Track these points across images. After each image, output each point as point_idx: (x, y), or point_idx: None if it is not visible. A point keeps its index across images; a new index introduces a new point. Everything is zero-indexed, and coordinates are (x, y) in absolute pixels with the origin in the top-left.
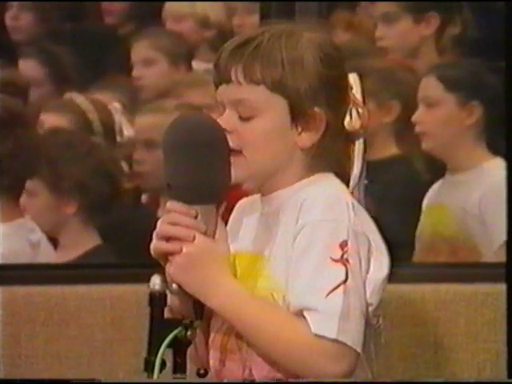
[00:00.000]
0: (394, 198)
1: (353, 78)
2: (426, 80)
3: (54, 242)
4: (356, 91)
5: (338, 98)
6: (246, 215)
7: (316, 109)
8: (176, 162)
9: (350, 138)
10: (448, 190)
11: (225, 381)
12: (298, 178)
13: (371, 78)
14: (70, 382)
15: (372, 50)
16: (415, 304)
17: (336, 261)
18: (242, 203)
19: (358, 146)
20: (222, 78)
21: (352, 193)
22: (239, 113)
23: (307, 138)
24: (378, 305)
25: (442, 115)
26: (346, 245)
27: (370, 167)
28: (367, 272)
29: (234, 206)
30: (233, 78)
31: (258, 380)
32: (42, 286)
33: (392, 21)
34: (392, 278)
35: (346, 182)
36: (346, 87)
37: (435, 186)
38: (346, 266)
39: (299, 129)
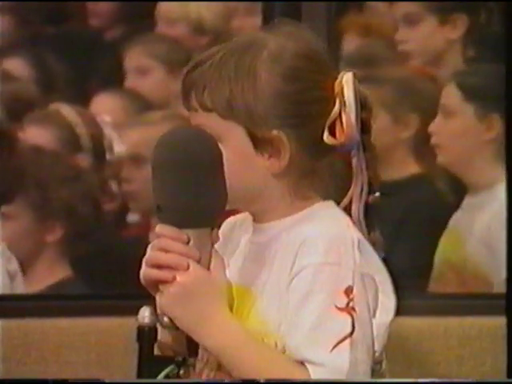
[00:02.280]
0: (415, 223)
1: (345, 79)
2: (446, 88)
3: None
4: (348, 96)
5: (305, 113)
6: (235, 237)
7: (274, 131)
8: (166, 181)
9: (342, 151)
10: (462, 213)
11: (225, 381)
12: (292, 208)
13: (387, 88)
14: (67, 381)
15: (389, 55)
16: (437, 339)
17: (341, 309)
18: (230, 221)
19: (357, 158)
20: (183, 104)
21: (351, 212)
22: None
23: (276, 164)
24: (382, 350)
25: (458, 127)
26: (352, 291)
27: (385, 188)
28: (374, 317)
29: None
30: (191, 105)
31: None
32: (19, 320)
33: (415, 22)
34: (411, 309)
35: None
36: (320, 98)
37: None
38: (351, 315)
39: (265, 155)
